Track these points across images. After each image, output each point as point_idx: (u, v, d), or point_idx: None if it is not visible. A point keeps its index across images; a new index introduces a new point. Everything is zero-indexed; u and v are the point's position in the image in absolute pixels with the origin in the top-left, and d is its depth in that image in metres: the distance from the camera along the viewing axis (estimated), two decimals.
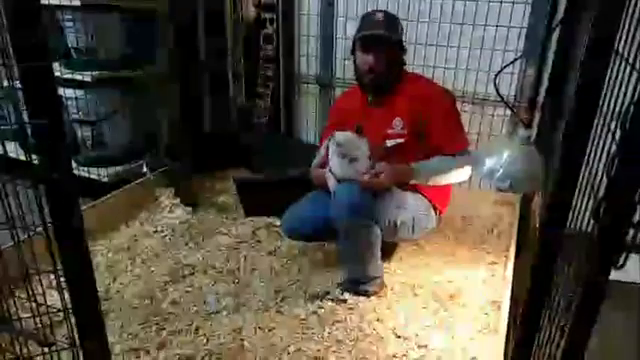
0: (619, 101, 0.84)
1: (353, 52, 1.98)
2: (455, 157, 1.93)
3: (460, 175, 1.96)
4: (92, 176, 2.85)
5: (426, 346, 1.70)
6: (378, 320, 1.83)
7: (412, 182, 1.93)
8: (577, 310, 0.86)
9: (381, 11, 1.96)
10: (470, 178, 2.06)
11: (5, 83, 1.13)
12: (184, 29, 2.66)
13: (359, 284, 1.94)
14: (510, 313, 1.73)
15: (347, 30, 2.86)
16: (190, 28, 2.87)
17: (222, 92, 3.16)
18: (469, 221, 2.57)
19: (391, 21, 1.93)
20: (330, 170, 1.90)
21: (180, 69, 2.61)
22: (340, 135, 1.88)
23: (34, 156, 0.92)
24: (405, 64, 2.04)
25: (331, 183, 1.90)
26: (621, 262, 0.75)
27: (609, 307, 0.90)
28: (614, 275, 0.83)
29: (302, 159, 2.62)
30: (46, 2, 2.55)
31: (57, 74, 2.65)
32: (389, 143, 1.97)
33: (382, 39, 1.88)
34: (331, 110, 2.31)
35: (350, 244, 1.89)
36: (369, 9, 2.69)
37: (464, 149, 1.96)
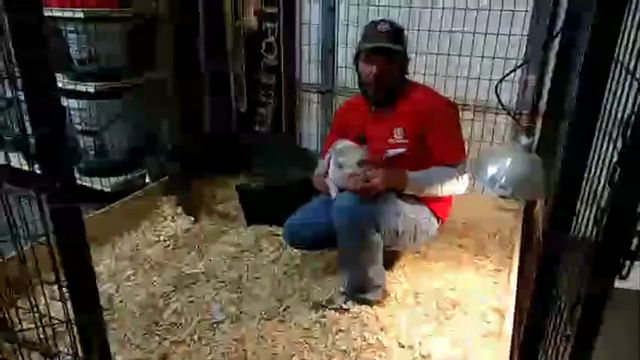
0: (620, 108, 0.84)
1: (357, 61, 1.98)
2: (450, 170, 1.92)
3: (454, 188, 1.95)
4: (95, 185, 2.86)
5: (429, 355, 1.69)
6: (381, 329, 1.82)
7: (407, 192, 1.92)
8: (581, 319, 0.85)
9: (386, 21, 1.95)
10: (472, 184, 2.05)
11: (9, 93, 1.13)
12: (185, 38, 2.68)
13: (362, 292, 1.94)
14: (515, 320, 1.72)
15: (348, 38, 2.87)
16: (191, 37, 2.89)
17: (224, 101, 3.17)
18: (472, 227, 2.57)
19: (396, 32, 1.92)
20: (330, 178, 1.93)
21: (181, 78, 2.62)
22: (338, 144, 1.92)
23: (37, 166, 0.93)
24: (408, 73, 2.05)
25: (332, 191, 1.91)
26: (625, 272, 0.75)
27: (612, 314, 0.89)
28: (616, 283, 0.83)
29: (301, 161, 2.64)
30: (49, 14, 2.57)
31: (60, 85, 2.67)
32: (391, 152, 1.96)
33: (386, 51, 1.88)
34: (334, 118, 2.32)
35: (352, 252, 1.89)
36: (370, 17, 2.70)
37: (459, 162, 1.94)
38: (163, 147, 2.82)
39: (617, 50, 0.86)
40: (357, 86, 2.05)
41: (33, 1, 0.81)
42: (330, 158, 1.94)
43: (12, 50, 0.85)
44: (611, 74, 0.89)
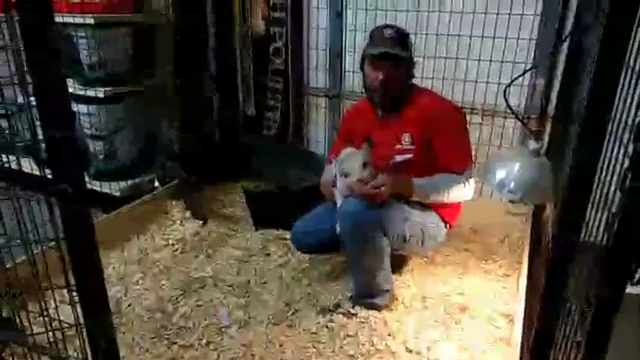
0: (632, 112, 0.83)
1: (362, 67, 1.98)
2: (455, 176, 1.90)
3: (461, 194, 1.93)
4: (104, 189, 2.88)
5: None
6: (389, 334, 1.81)
7: (413, 198, 1.91)
8: (592, 325, 0.85)
9: (391, 27, 1.94)
10: (480, 188, 2.04)
11: (20, 99, 1.15)
12: (193, 43, 2.69)
13: (369, 297, 1.93)
14: (524, 325, 1.70)
15: (356, 42, 2.88)
16: (199, 42, 2.90)
17: (232, 105, 3.18)
18: (480, 232, 2.55)
19: (401, 37, 1.92)
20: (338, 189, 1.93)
21: (188, 82, 2.64)
22: (342, 153, 1.90)
23: (47, 170, 0.93)
24: (414, 77, 2.04)
25: (338, 199, 1.91)
26: (637, 277, 0.74)
27: (621, 319, 0.89)
28: (628, 289, 0.82)
29: (307, 166, 2.64)
30: (60, 20, 2.60)
31: (69, 90, 2.69)
32: (398, 158, 1.96)
33: (392, 56, 1.88)
34: (341, 124, 2.31)
35: (358, 257, 1.88)
36: (377, 21, 2.70)
37: (464, 169, 1.93)
38: (168, 149, 2.83)
39: (628, 54, 0.86)
40: (364, 90, 2.06)
41: (44, 8, 0.82)
42: (336, 170, 1.93)
43: (24, 55, 0.86)
44: (622, 78, 0.88)
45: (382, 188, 1.77)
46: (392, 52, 1.87)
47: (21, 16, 0.81)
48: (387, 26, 1.96)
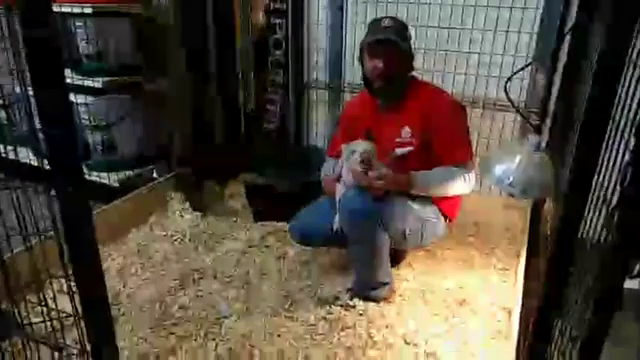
0: (633, 108, 0.83)
1: (361, 58, 1.97)
2: (454, 170, 1.90)
3: (459, 188, 1.93)
4: (103, 181, 2.87)
5: (436, 353, 1.69)
6: (387, 326, 1.82)
7: (412, 192, 1.90)
8: (590, 319, 0.85)
9: (389, 17, 1.94)
10: (480, 183, 2.03)
11: (18, 89, 1.14)
12: (193, 38, 2.68)
13: (368, 290, 1.94)
14: (521, 320, 1.71)
15: (356, 35, 2.86)
16: (199, 35, 2.88)
17: (232, 98, 3.16)
18: (479, 227, 2.55)
19: (399, 27, 1.91)
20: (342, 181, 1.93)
21: (190, 80, 2.63)
22: (352, 142, 1.89)
23: (45, 161, 0.93)
24: (414, 69, 2.03)
25: (338, 191, 1.91)
26: (636, 271, 0.74)
27: (621, 313, 0.89)
28: (627, 284, 0.82)
29: (302, 157, 2.63)
30: (58, 9, 2.58)
31: (68, 80, 2.68)
32: (399, 152, 1.95)
33: (390, 43, 1.87)
34: (341, 117, 2.30)
35: (358, 250, 1.89)
36: (378, 14, 2.69)
37: (464, 162, 1.92)
38: (167, 141, 2.83)
39: (630, 49, 0.85)
40: (364, 83, 2.04)
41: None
42: (343, 156, 1.92)
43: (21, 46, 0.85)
44: (624, 73, 0.88)
45: (379, 182, 1.77)
46: (390, 39, 1.86)
47: (20, 8, 0.80)
48: (385, 17, 1.96)
